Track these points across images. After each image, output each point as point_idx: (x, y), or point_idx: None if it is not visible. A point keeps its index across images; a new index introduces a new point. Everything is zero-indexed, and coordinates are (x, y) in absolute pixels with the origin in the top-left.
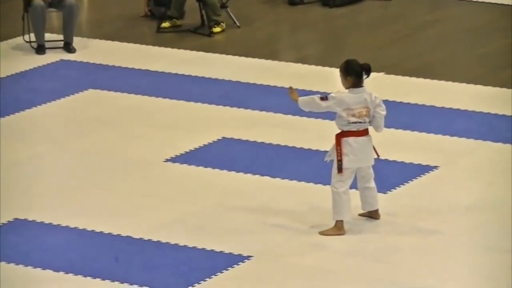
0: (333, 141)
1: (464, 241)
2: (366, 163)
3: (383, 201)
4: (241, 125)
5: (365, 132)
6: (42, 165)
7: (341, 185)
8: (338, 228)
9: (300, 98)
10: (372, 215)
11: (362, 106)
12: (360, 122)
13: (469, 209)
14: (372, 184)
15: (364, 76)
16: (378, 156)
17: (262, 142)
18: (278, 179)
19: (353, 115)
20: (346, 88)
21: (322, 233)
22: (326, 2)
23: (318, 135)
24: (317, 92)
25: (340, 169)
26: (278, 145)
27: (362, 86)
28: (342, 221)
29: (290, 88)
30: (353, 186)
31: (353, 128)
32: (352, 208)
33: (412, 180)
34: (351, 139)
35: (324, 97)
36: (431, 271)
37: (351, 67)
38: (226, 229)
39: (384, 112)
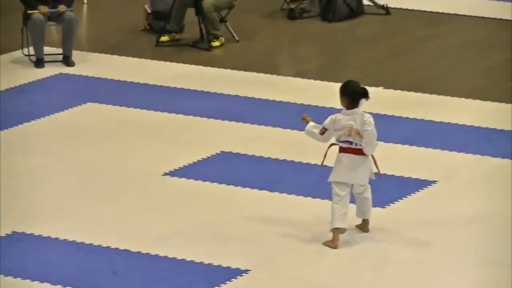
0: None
1: (463, 255)
2: (355, 181)
3: (382, 215)
4: (240, 139)
5: (357, 151)
6: (41, 178)
7: (335, 198)
8: (332, 240)
9: (306, 129)
10: (362, 226)
11: (349, 127)
12: (349, 142)
13: (468, 223)
14: (367, 194)
15: (363, 100)
16: (379, 172)
17: (261, 156)
18: (276, 193)
19: (342, 134)
20: (343, 107)
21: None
22: (326, 16)
23: (317, 150)
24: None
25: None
26: (276, 159)
27: (356, 107)
28: (337, 232)
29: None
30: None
31: (344, 145)
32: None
33: (410, 195)
34: (342, 155)
35: (322, 130)
36: (430, 285)
37: (347, 89)
38: (224, 243)
39: (370, 128)
